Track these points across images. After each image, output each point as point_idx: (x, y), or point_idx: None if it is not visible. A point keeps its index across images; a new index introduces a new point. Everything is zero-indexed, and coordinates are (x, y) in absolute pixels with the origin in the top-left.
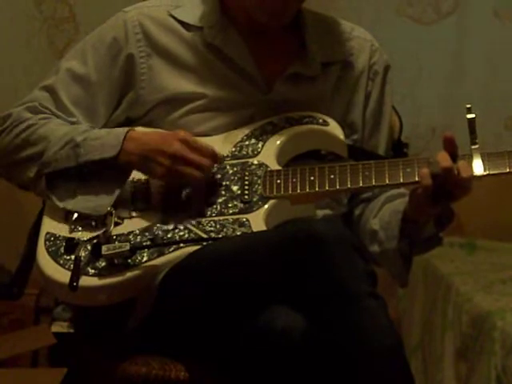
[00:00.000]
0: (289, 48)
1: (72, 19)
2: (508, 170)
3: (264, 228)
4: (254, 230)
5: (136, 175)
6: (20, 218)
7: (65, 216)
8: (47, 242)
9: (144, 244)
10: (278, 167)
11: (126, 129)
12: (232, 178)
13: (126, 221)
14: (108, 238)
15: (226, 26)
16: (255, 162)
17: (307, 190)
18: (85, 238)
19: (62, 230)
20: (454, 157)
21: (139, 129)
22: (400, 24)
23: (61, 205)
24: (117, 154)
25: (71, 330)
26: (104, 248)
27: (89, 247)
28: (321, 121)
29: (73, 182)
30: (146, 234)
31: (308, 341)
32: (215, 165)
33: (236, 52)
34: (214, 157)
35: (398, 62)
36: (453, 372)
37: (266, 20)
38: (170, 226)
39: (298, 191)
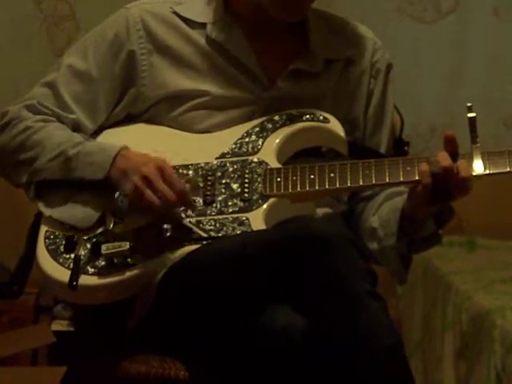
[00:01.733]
0: (291, 45)
1: (72, 17)
2: (508, 170)
3: (264, 227)
4: (254, 228)
5: None
6: (20, 216)
7: None
8: (47, 241)
9: (144, 243)
10: (278, 165)
11: (117, 147)
12: (232, 175)
13: (125, 220)
14: (108, 237)
15: (228, 23)
16: (255, 160)
17: (307, 188)
18: (85, 237)
19: (61, 228)
20: (455, 156)
21: (132, 150)
22: (400, 23)
23: (47, 213)
24: (105, 177)
25: (71, 329)
26: (104, 247)
27: (88, 246)
28: (321, 118)
29: (62, 190)
30: (146, 232)
31: (308, 340)
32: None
33: (238, 49)
34: (182, 196)
35: (399, 60)
36: (453, 371)
37: (285, 16)
38: (170, 226)
39: (298, 190)
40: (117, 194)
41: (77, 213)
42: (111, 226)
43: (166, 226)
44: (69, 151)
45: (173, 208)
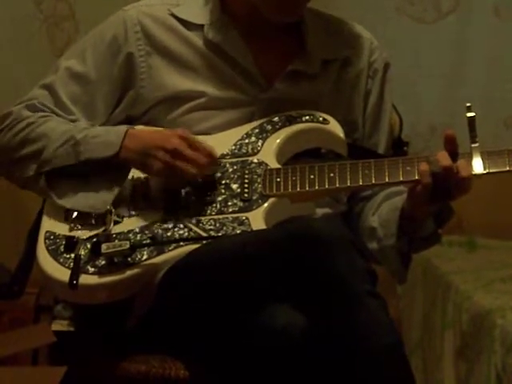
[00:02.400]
0: (289, 46)
1: (72, 18)
2: (508, 169)
3: (263, 226)
4: (254, 228)
5: (135, 174)
6: (20, 216)
7: (65, 214)
8: (47, 241)
9: (144, 242)
10: (277, 165)
11: (126, 126)
12: (232, 176)
13: (125, 219)
14: (108, 237)
15: (225, 24)
16: (255, 161)
17: (307, 188)
18: (84, 237)
19: (61, 228)
20: (454, 155)
21: (139, 127)
22: (400, 23)
23: (60, 203)
24: (116, 153)
25: (71, 329)
26: (104, 246)
27: (88, 245)
28: (321, 119)
29: (72, 179)
30: (146, 232)
31: (308, 339)
32: (213, 165)
33: (236, 50)
34: (212, 156)
35: (398, 60)
36: (453, 370)
37: (279, 17)
38: (170, 225)
39: (298, 190)
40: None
41: (91, 199)
42: (111, 225)
43: (167, 225)
44: (76, 135)
45: (206, 169)
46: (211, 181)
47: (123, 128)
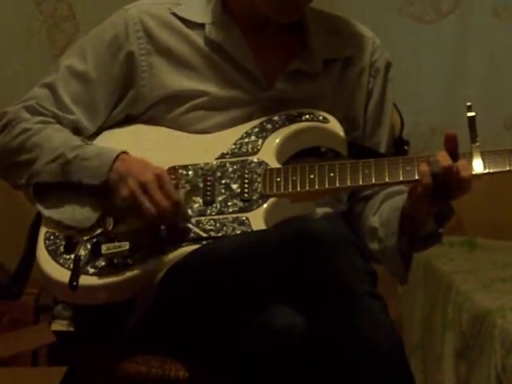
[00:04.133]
0: (290, 46)
1: (72, 18)
2: (508, 169)
3: (264, 227)
4: (254, 228)
5: None
6: (20, 217)
7: None
8: (47, 241)
9: (143, 243)
10: (277, 165)
11: (116, 152)
12: (232, 176)
13: (125, 220)
14: (108, 237)
15: (227, 24)
16: (255, 160)
17: (307, 188)
18: (84, 237)
19: (61, 229)
20: (455, 155)
21: (132, 154)
22: (401, 23)
23: (46, 213)
24: (103, 182)
25: (71, 329)
26: (104, 247)
27: (88, 246)
28: (321, 118)
29: (61, 191)
30: (146, 233)
31: (308, 339)
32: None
33: (236, 49)
34: (176, 206)
35: (399, 60)
36: (453, 371)
37: (280, 17)
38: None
39: (298, 189)
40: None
41: (76, 214)
42: (111, 226)
43: (163, 227)
44: (67, 154)
45: (166, 218)
46: (211, 181)
47: (114, 153)
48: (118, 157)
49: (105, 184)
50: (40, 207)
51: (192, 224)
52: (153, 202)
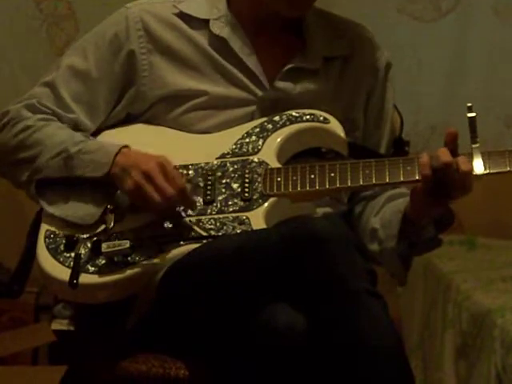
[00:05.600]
0: (290, 44)
1: (72, 17)
2: (508, 169)
3: (264, 226)
4: (254, 228)
5: None
6: (20, 215)
7: None
8: (47, 240)
9: (144, 242)
10: (278, 165)
11: (118, 146)
12: (232, 175)
13: (125, 218)
14: (108, 236)
15: (230, 21)
16: (255, 160)
17: (307, 188)
18: (85, 236)
19: (61, 227)
20: (455, 153)
21: (133, 148)
22: (400, 22)
23: (50, 210)
24: (106, 174)
25: (71, 328)
26: (104, 245)
27: (89, 245)
28: (321, 118)
29: (64, 188)
30: (146, 231)
31: (308, 338)
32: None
33: (240, 46)
34: (182, 192)
35: (398, 59)
36: (453, 370)
37: (288, 11)
38: (170, 224)
39: (299, 189)
40: (118, 192)
41: (79, 210)
42: (112, 224)
43: (165, 224)
44: (70, 149)
45: (172, 205)
46: (211, 180)
47: (116, 146)
48: (119, 150)
49: (107, 177)
50: (43, 204)
51: (192, 223)
52: (158, 190)
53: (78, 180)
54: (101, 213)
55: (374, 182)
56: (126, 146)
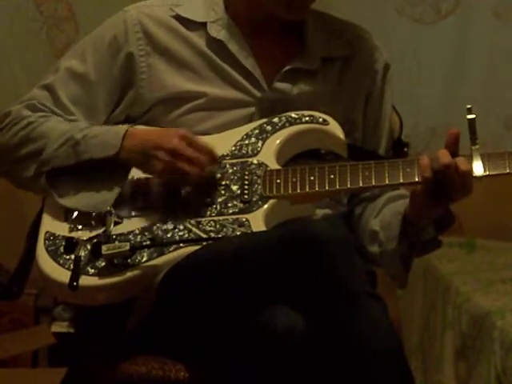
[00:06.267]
0: (288, 46)
1: (72, 19)
2: (508, 171)
3: (263, 228)
4: (254, 229)
5: (136, 174)
6: (20, 217)
7: (64, 215)
8: (47, 242)
9: (144, 244)
10: (277, 167)
11: (126, 126)
12: (232, 177)
13: (125, 220)
14: (108, 238)
15: (228, 23)
16: (255, 162)
17: (307, 189)
18: (84, 238)
19: (61, 229)
20: (455, 154)
21: (139, 127)
22: (400, 24)
23: (61, 202)
24: (116, 153)
25: (71, 330)
26: (104, 248)
27: (88, 247)
28: (321, 120)
29: (73, 178)
30: (146, 233)
31: (308, 340)
32: (213, 164)
33: (238, 48)
34: (212, 155)
35: (398, 61)
36: (452, 372)
37: (287, 14)
38: (170, 226)
39: (298, 191)
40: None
41: (91, 199)
42: (111, 226)
43: (165, 225)
44: (76, 135)
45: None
46: (211, 182)
47: (123, 127)
48: (127, 131)
49: (118, 156)
50: (55, 195)
51: (192, 225)
52: (191, 162)
53: (87, 165)
54: (114, 198)
55: (373, 183)
56: (131, 127)
